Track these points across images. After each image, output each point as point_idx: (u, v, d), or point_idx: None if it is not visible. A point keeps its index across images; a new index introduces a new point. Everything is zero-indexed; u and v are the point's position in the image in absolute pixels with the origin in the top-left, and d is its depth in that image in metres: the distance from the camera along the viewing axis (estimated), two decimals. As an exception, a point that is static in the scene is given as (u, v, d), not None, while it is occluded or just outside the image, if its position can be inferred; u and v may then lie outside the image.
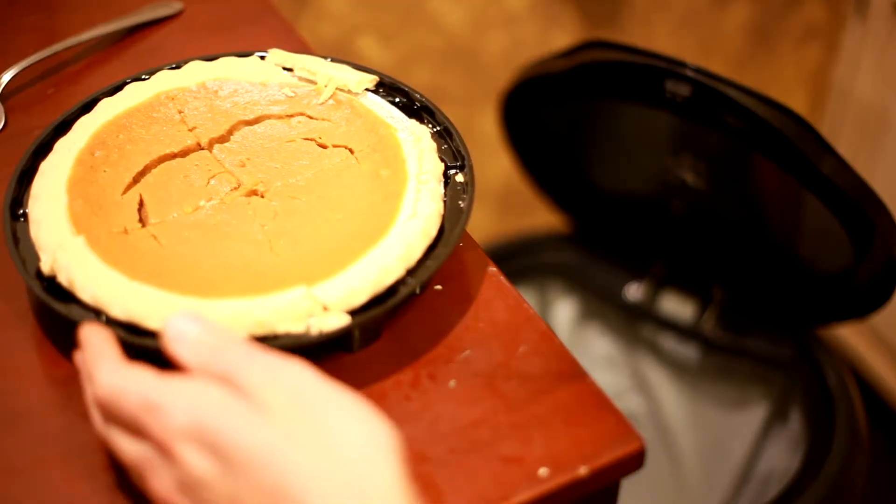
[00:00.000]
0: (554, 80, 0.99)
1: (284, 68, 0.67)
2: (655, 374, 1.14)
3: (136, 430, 0.46)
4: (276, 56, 0.67)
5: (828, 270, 0.97)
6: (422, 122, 0.64)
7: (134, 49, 0.77)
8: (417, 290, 0.56)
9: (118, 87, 0.65)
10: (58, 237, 0.55)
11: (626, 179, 1.12)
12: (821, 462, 0.94)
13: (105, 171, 0.60)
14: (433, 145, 0.62)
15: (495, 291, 0.60)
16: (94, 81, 0.74)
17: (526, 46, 1.30)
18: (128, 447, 0.47)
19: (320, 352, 0.55)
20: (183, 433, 0.44)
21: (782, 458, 1.01)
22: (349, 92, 0.65)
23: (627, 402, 1.14)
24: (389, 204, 0.58)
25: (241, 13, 0.80)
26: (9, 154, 0.68)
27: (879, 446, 1.33)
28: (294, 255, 0.56)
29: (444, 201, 0.59)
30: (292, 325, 0.52)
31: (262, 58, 0.68)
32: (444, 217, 0.59)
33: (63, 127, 0.63)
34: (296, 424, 0.44)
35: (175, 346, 0.47)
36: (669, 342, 1.14)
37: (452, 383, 0.55)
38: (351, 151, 0.62)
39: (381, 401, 0.54)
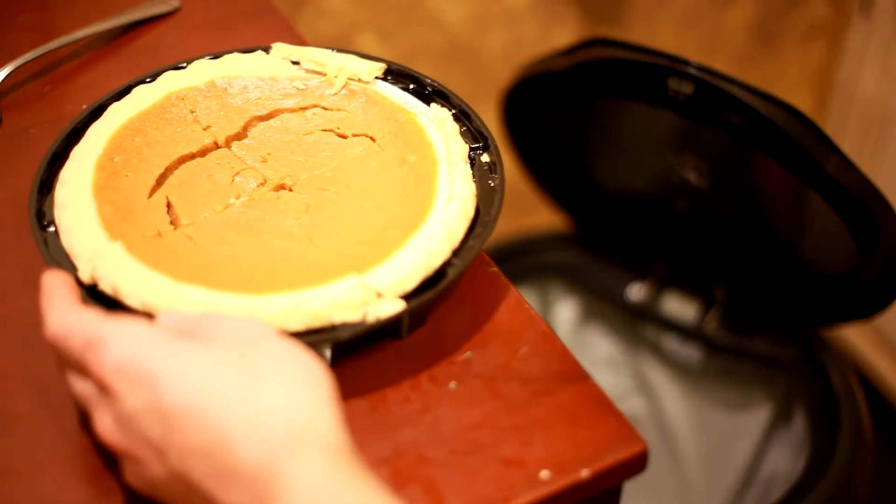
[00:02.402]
0: (555, 78, 0.99)
1: (291, 62, 0.67)
2: (658, 375, 1.14)
3: (81, 368, 0.47)
4: (281, 50, 0.67)
5: (832, 270, 0.97)
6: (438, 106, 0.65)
7: (130, 47, 0.77)
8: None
9: (125, 91, 0.65)
10: (93, 245, 0.55)
11: (628, 178, 1.12)
12: (825, 464, 0.94)
13: (127, 175, 0.60)
14: (456, 127, 0.62)
15: (496, 292, 0.60)
16: (90, 79, 0.74)
17: (527, 44, 1.30)
18: (76, 385, 0.48)
19: (370, 341, 0.56)
20: (115, 369, 0.45)
21: (786, 460, 1.01)
22: (360, 81, 0.65)
23: (629, 403, 1.14)
24: (424, 188, 0.59)
25: (239, 10, 0.80)
26: (4, 152, 0.68)
27: (884, 448, 1.32)
28: (335, 245, 0.57)
29: (475, 182, 0.60)
30: (349, 314, 0.52)
31: (267, 52, 0.67)
32: (477, 198, 0.59)
33: (74, 134, 0.62)
34: (228, 361, 0.45)
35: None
36: (672, 343, 1.14)
37: (453, 385, 0.55)
38: (372, 139, 0.63)
39: (380, 403, 0.54)
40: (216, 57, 0.67)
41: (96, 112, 0.63)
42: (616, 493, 0.56)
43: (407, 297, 0.54)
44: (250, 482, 0.43)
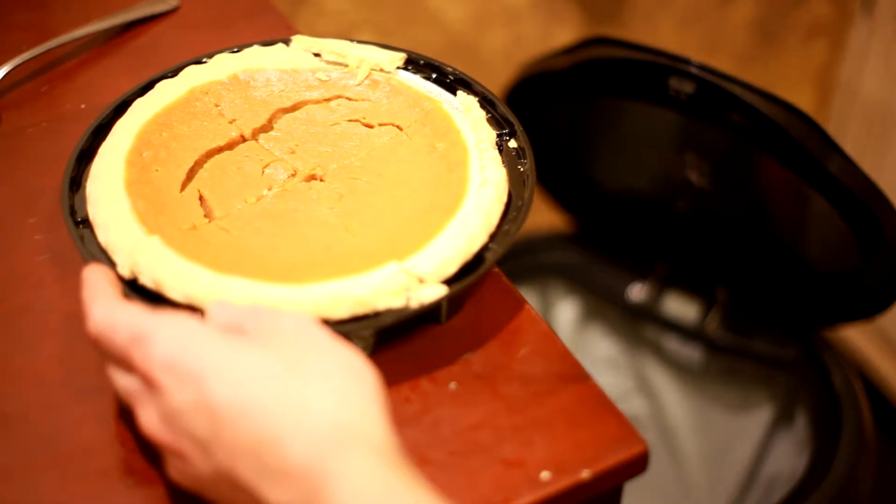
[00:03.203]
0: (556, 77, 0.99)
1: (312, 54, 0.67)
2: (659, 375, 1.14)
3: (125, 363, 0.47)
4: (302, 42, 0.68)
5: (834, 270, 0.97)
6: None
7: (129, 46, 0.76)
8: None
9: (147, 87, 0.65)
10: (131, 239, 0.55)
11: (629, 178, 1.12)
12: (827, 465, 0.94)
13: (157, 170, 0.60)
14: (483, 114, 0.63)
15: (496, 292, 0.59)
16: (89, 79, 0.74)
17: (527, 43, 1.30)
18: (120, 381, 0.48)
19: (411, 327, 0.56)
20: (162, 364, 0.45)
21: (788, 460, 1.01)
22: (382, 71, 0.66)
23: (630, 404, 1.14)
24: (457, 174, 0.59)
25: (238, 9, 0.80)
26: (3, 152, 0.68)
27: (886, 448, 1.32)
28: (371, 233, 0.57)
29: (504, 167, 0.60)
30: (392, 300, 0.53)
31: (287, 44, 0.68)
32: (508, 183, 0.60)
33: (99, 131, 0.62)
34: (276, 358, 0.45)
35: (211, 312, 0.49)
36: (673, 343, 1.14)
37: (453, 385, 0.55)
38: (399, 128, 0.63)
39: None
40: (237, 51, 0.67)
41: (120, 108, 0.63)
42: (617, 493, 0.56)
43: (447, 283, 0.54)
44: (298, 481, 0.43)
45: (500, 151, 0.61)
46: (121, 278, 0.54)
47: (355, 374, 0.46)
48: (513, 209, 0.59)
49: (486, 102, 0.64)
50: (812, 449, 0.98)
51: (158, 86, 0.64)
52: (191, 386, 0.45)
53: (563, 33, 1.32)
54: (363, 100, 0.65)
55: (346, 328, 0.52)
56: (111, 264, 0.54)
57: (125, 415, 0.52)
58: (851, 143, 1.35)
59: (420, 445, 0.52)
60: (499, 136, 0.62)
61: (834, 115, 1.41)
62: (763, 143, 0.90)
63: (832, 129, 1.38)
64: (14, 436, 0.53)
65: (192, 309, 0.52)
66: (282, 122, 0.64)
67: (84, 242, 0.56)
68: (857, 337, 1.41)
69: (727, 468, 1.07)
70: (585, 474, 0.51)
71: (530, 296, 1.17)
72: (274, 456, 0.43)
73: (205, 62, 0.66)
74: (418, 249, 0.55)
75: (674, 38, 1.38)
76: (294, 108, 0.65)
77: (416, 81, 0.66)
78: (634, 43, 0.92)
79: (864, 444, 0.96)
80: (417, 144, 0.62)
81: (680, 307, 1.13)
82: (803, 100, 1.49)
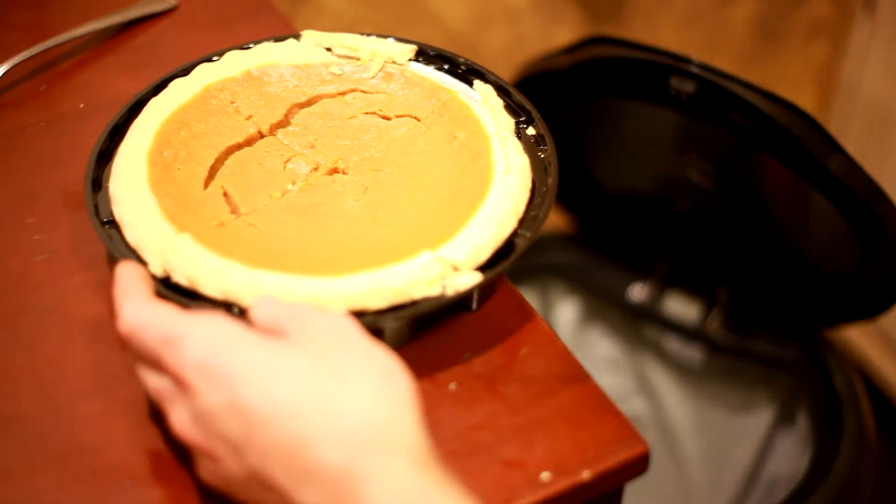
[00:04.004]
0: (556, 77, 0.99)
1: (323, 48, 0.67)
2: (659, 376, 1.14)
3: (156, 363, 0.47)
4: (312, 37, 0.68)
5: (835, 270, 0.97)
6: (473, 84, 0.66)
7: (128, 45, 0.76)
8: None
9: (161, 86, 0.65)
10: (161, 238, 0.55)
11: (629, 178, 1.12)
12: (828, 465, 0.94)
13: (179, 168, 0.60)
14: (500, 102, 0.63)
15: (497, 292, 0.59)
16: (87, 78, 0.73)
17: (528, 43, 1.30)
18: (150, 380, 0.48)
19: (444, 315, 0.57)
20: (194, 366, 0.45)
21: (789, 461, 1.01)
22: (395, 63, 0.66)
23: (631, 404, 1.13)
24: (481, 163, 0.60)
25: (238, 8, 0.80)
26: (1, 151, 0.67)
27: (887, 449, 1.32)
28: (400, 223, 0.58)
29: (526, 154, 0.61)
30: (428, 288, 0.53)
31: (297, 39, 0.68)
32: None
33: (116, 131, 0.62)
34: (311, 361, 0.45)
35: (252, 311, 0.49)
36: (674, 344, 1.14)
37: (453, 386, 0.55)
38: (417, 119, 0.64)
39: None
40: (248, 48, 0.67)
41: (135, 108, 0.63)
42: (617, 494, 0.56)
43: (480, 269, 0.55)
44: (331, 483, 0.43)
45: (520, 139, 0.62)
46: (154, 277, 0.54)
47: (390, 376, 0.46)
48: (538, 195, 0.59)
49: (500, 91, 0.64)
50: (813, 449, 0.98)
51: (172, 85, 0.64)
52: (223, 388, 0.45)
53: (564, 33, 1.31)
54: (378, 92, 0.65)
55: (382, 319, 0.52)
56: (142, 264, 0.54)
57: (154, 415, 0.52)
58: (852, 142, 1.35)
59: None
60: (517, 123, 0.63)
61: (835, 114, 1.41)
62: (764, 142, 0.90)
63: (833, 128, 1.38)
64: (13, 436, 0.52)
65: (229, 306, 0.52)
66: (298, 118, 0.64)
67: (112, 242, 0.56)
68: (858, 337, 1.41)
69: (728, 469, 1.07)
70: (586, 475, 0.51)
71: (530, 296, 1.17)
72: (307, 458, 0.43)
73: (216, 60, 0.66)
74: (450, 237, 0.55)
75: (674, 37, 1.38)
76: (309, 102, 0.65)
77: (429, 72, 0.66)
78: (635, 42, 0.92)
79: (865, 444, 0.96)
80: (437, 134, 0.62)
81: (680, 307, 1.13)
82: (804, 99, 1.49)
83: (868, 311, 0.97)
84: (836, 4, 1.41)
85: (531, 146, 0.62)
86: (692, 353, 1.13)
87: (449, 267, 0.54)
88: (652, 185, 1.10)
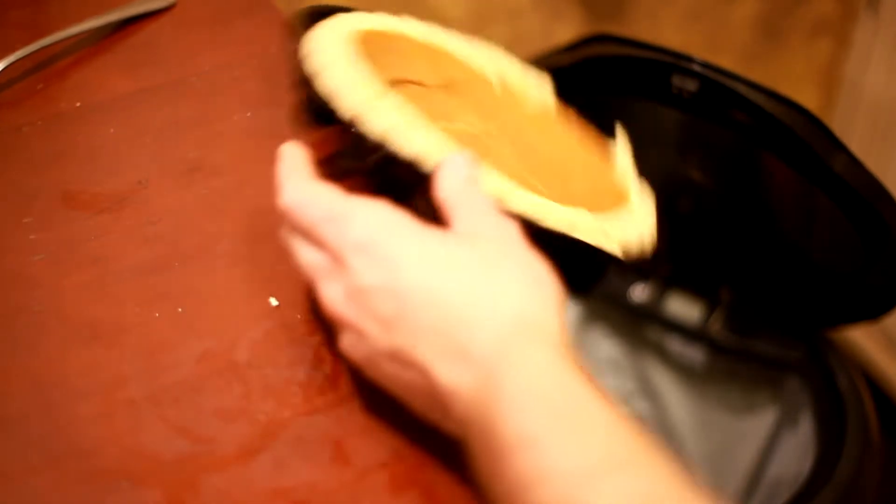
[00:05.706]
0: (557, 75, 0.98)
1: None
2: (661, 377, 1.14)
3: (314, 239, 0.49)
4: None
5: (839, 271, 0.97)
6: None
7: (125, 43, 0.76)
8: None
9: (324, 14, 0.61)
10: (366, 89, 0.53)
11: (631, 178, 1.11)
12: (832, 467, 0.93)
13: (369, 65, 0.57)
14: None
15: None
16: (84, 77, 0.73)
17: (529, 41, 1.30)
18: (306, 255, 0.50)
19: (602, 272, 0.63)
20: (356, 245, 0.47)
21: (792, 463, 1.01)
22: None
23: (633, 406, 1.13)
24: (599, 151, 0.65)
25: (235, 6, 0.80)
26: (-2, 150, 0.67)
27: (891, 450, 1.32)
28: (570, 188, 0.58)
29: None
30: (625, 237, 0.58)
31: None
32: None
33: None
34: (470, 253, 0.47)
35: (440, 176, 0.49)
36: (676, 345, 1.14)
37: (452, 387, 0.54)
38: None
39: (381, 407, 0.53)
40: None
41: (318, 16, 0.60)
42: (620, 498, 0.55)
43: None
44: (478, 364, 0.44)
45: None
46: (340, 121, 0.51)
47: (542, 280, 0.47)
48: None
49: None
50: (816, 451, 0.97)
51: (338, 17, 0.61)
52: (382, 268, 0.46)
53: (565, 31, 1.31)
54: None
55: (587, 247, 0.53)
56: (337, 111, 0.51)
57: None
58: (856, 141, 1.34)
59: (419, 447, 0.51)
60: None
61: (838, 113, 1.41)
62: (767, 141, 0.90)
63: (836, 127, 1.37)
64: (10, 437, 0.52)
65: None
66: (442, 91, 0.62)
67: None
68: (861, 338, 1.41)
69: (731, 470, 1.06)
70: (588, 478, 0.51)
71: (532, 296, 1.17)
72: (460, 338, 0.45)
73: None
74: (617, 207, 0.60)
75: (677, 35, 1.38)
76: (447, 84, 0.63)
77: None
78: (637, 40, 0.92)
79: (869, 445, 0.95)
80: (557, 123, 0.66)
81: (683, 308, 1.13)
82: (807, 98, 1.49)
83: (872, 312, 0.97)
84: (840, 2, 1.41)
85: None
86: (694, 354, 1.12)
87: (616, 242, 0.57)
88: (653, 184, 1.10)
